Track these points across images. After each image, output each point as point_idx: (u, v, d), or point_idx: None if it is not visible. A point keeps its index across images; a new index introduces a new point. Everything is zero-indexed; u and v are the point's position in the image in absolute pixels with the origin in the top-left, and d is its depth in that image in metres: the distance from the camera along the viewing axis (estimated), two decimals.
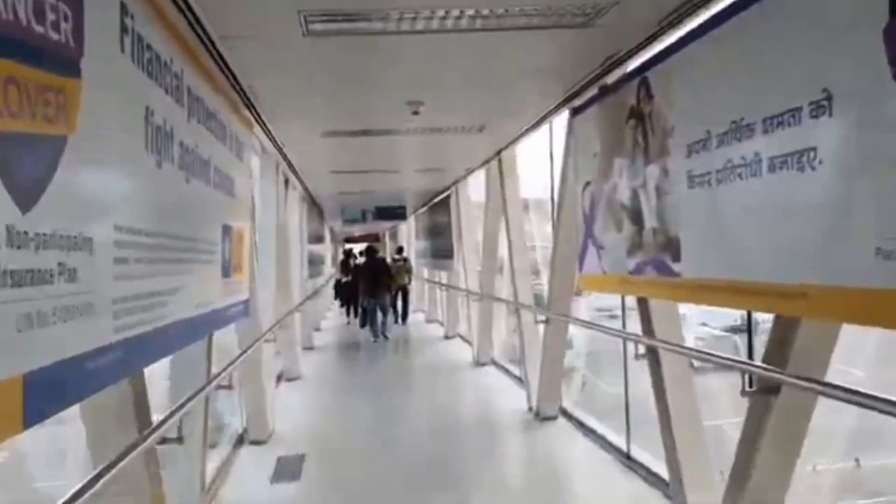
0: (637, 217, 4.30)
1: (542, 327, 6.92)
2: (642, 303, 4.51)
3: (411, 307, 17.82)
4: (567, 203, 5.93)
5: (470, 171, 10.23)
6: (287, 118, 5.76)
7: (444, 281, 14.50)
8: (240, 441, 6.55)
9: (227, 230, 4.13)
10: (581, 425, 6.67)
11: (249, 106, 4.90)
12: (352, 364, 12.20)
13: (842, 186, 2.52)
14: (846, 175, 2.50)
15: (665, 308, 4.47)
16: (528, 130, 6.75)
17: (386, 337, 13.76)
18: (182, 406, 3.05)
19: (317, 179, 10.51)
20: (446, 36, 3.61)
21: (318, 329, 15.50)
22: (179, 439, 2.91)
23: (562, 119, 6.31)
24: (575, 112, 5.36)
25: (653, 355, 4.39)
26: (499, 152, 8.04)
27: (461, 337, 13.49)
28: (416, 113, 5.13)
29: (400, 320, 16.08)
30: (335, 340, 14.99)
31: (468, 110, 5.90)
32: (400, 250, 18.76)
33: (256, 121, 5.40)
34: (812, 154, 2.65)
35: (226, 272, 4.12)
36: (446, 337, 13.91)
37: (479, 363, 10.52)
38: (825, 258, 2.62)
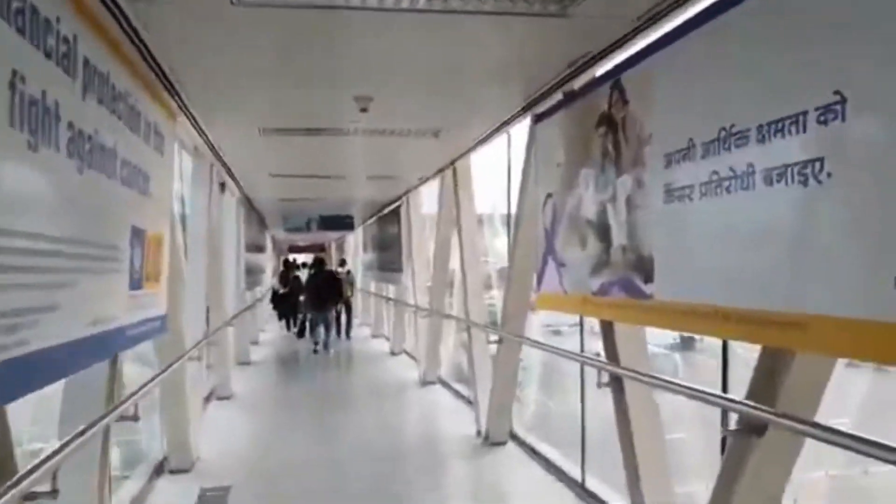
0: (604, 233, 3.92)
1: (493, 346, 6.50)
2: (606, 326, 4.13)
3: (356, 321, 17.63)
4: (526, 217, 5.54)
5: (423, 181, 9.69)
6: (218, 110, 5.18)
7: (392, 295, 13.90)
8: (158, 470, 5.87)
9: (137, 234, 3.55)
10: (533, 451, 6.26)
11: (172, 92, 4.33)
12: (290, 381, 11.50)
13: (855, 203, 2.17)
14: (860, 190, 2.15)
15: (630, 331, 4.10)
16: (486, 137, 6.34)
17: (327, 350, 13.44)
18: (61, 449, 2.46)
19: (256, 183, 9.92)
20: (401, 16, 3.15)
21: (255, 342, 14.72)
22: (53, 493, 2.31)
23: (522, 127, 5.96)
24: (538, 118, 4.98)
25: (616, 383, 4.00)
26: (454, 161, 7.62)
27: (407, 353, 12.97)
28: (364, 110, 4.64)
29: (344, 335, 15.77)
30: (274, 354, 14.28)
31: (422, 112, 5.45)
32: (343, 262, 18.59)
33: (183, 111, 4.82)
34: (818, 165, 2.30)
35: (135, 283, 3.54)
36: (392, 353, 13.37)
37: (425, 382, 10.02)
38: (830, 285, 2.27)
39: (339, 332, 15.27)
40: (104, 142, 2.89)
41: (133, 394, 3.52)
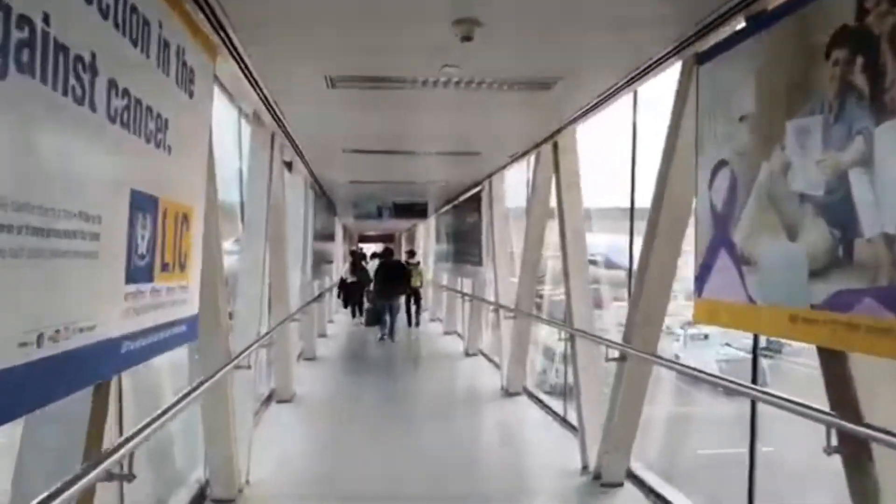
0: (842, 215, 2.53)
1: (609, 364, 5.15)
2: (830, 360, 2.74)
3: (426, 314, 17.17)
4: (668, 204, 4.17)
5: (515, 158, 8.09)
6: (276, 50, 4.00)
7: (468, 291, 12.62)
8: (198, 500, 4.84)
9: (143, 203, 2.41)
10: (655, 495, 4.92)
11: (214, 24, 3.19)
12: (358, 383, 10.29)
13: None
14: None
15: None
16: (613, 92, 4.85)
17: (392, 338, 13.34)
18: None
19: (325, 159, 8.66)
20: None
21: (323, 335, 13.83)
22: None
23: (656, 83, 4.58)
24: (704, 57, 3.58)
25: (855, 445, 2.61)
26: (559, 130, 6.19)
27: (484, 355, 11.72)
28: (467, 39, 3.34)
29: (414, 324, 15.79)
30: (341, 348, 13.45)
31: (539, 49, 4.09)
32: (412, 253, 18.05)
33: (230, 50, 3.69)
34: None
35: (139, 274, 2.41)
36: (467, 354, 12.12)
37: (509, 392, 8.71)
38: None
39: (409, 322, 15.50)
40: (68, 43, 1.73)
41: (131, 436, 2.36)
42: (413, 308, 15.76)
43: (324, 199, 12.86)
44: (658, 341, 4.61)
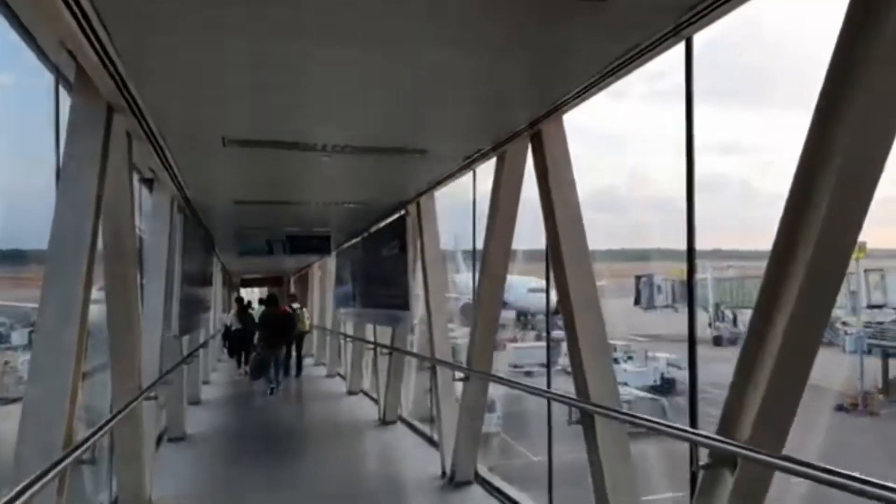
0: None
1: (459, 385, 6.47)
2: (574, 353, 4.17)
3: (309, 359, 17.16)
4: (495, 249, 5.65)
5: (462, 165, 6.32)
6: None
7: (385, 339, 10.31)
8: None
9: None
10: (498, 492, 6.21)
11: None
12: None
13: None
14: None
15: (599, 367, 4.16)
16: (470, 163, 6.47)
17: (277, 391, 12.97)
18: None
19: (200, 169, 6.49)
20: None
21: (195, 402, 11.66)
22: None
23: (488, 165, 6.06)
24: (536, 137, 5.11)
25: (588, 420, 4.03)
26: (421, 194, 7.67)
27: (365, 393, 12.71)
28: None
29: (295, 374, 15.24)
30: (224, 419, 11.20)
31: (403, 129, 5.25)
32: (293, 298, 17.87)
33: None
34: None
35: None
36: (350, 392, 13.08)
37: (385, 421, 9.84)
38: None
39: (290, 371, 14.81)
40: None
41: (91, 435, 3.34)
42: (295, 355, 15.13)
43: (199, 228, 9.89)
44: (492, 362, 5.99)
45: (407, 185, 7.44)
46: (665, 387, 31.68)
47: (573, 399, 4.13)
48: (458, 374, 6.38)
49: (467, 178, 6.75)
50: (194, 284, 9.23)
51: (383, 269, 9.37)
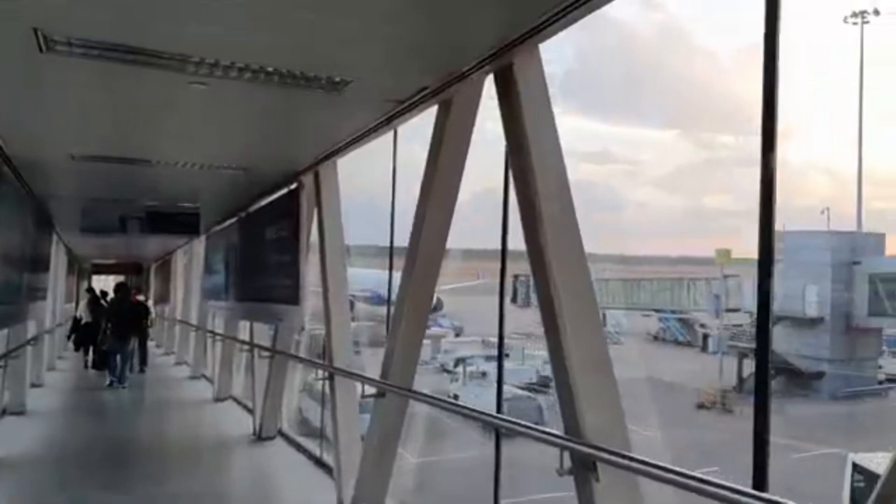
0: None
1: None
2: (562, 384, 2.98)
3: (171, 357, 16.27)
4: (426, 240, 4.32)
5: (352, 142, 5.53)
6: None
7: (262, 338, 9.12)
8: None
9: None
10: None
11: None
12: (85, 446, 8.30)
13: None
14: None
15: (600, 395, 3.02)
16: (378, 126, 4.92)
17: (123, 384, 12.31)
18: None
19: (17, 106, 4.76)
20: None
21: (20, 412, 9.55)
22: None
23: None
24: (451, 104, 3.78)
25: (584, 468, 2.85)
26: (320, 161, 6.09)
27: (236, 400, 10.99)
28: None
29: (138, 367, 14.21)
30: (51, 433, 9.04)
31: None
32: (139, 290, 16.82)
33: None
34: None
35: None
36: (217, 399, 11.24)
37: (262, 437, 8.24)
38: None
39: (135, 367, 13.90)
40: None
41: None
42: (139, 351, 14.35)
43: (25, 197, 7.75)
44: (414, 376, 4.68)
45: (305, 145, 5.84)
46: (540, 384, 32.07)
47: (559, 437, 2.90)
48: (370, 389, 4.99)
49: (374, 147, 5.39)
50: (15, 268, 7.34)
51: (267, 255, 7.75)
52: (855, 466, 16.43)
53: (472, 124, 4.00)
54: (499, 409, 3.57)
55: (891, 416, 27.20)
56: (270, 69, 3.57)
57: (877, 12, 33.49)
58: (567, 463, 2.78)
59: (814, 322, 30.39)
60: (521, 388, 29.65)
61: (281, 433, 8.33)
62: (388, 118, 4.44)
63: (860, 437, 22.43)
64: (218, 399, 11.12)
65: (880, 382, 30.95)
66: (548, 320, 3.03)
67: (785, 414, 25.80)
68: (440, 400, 4.54)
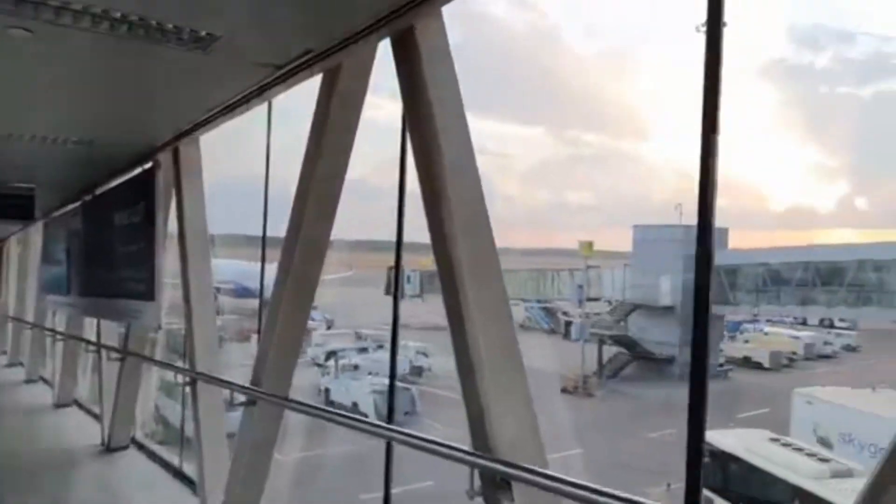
0: None
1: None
2: (470, 397, 2.63)
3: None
4: (308, 226, 3.80)
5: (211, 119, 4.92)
6: None
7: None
8: None
9: None
10: None
11: None
12: None
13: None
14: None
15: (511, 400, 2.69)
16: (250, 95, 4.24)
17: None
18: None
19: None
20: None
21: None
22: None
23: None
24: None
25: (495, 487, 2.51)
26: (181, 136, 5.29)
27: (80, 405, 9.75)
28: None
29: None
30: None
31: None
32: None
33: None
34: None
35: None
36: (57, 405, 9.94)
37: (111, 448, 7.28)
38: None
39: None
40: None
41: None
42: None
43: None
44: (290, 383, 4.17)
45: (162, 116, 5.03)
46: (413, 375, 32.00)
47: (467, 453, 2.54)
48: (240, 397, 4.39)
49: (245, 123, 4.75)
50: None
51: (117, 244, 6.79)
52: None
53: (363, 96, 3.54)
54: (390, 418, 3.15)
55: (730, 396, 29.76)
56: (117, 15, 2.85)
57: (724, 24, 36.35)
58: (478, 482, 2.43)
59: (666, 310, 32.61)
60: (397, 380, 29.45)
61: (134, 441, 7.43)
62: (262, 87, 3.82)
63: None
64: (59, 405, 9.82)
65: (721, 365, 33.87)
66: (454, 317, 2.66)
67: (642, 397, 27.52)
68: (325, 411, 4.02)
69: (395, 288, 4.37)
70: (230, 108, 4.38)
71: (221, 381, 4.86)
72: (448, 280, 2.68)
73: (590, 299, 34.94)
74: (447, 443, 2.52)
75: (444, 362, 33.90)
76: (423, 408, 26.22)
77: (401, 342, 34.68)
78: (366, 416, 26.72)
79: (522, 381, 2.55)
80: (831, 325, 39.97)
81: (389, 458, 3.20)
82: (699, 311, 1.97)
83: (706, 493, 17.78)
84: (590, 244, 36.19)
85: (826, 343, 37.70)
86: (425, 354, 33.58)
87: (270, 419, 4.24)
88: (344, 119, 3.57)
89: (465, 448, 2.49)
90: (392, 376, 4.27)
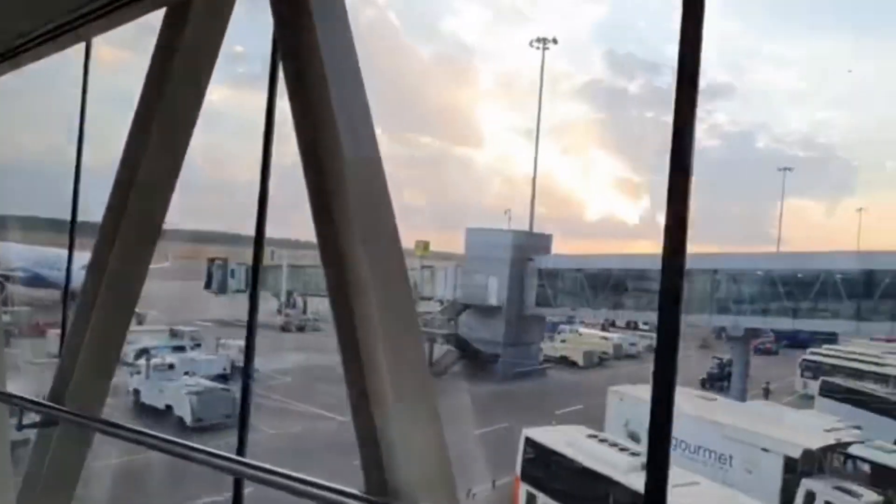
0: None
1: None
2: None
3: None
4: (136, 201, 3.00)
5: None
6: None
7: None
8: None
9: None
10: None
11: None
12: None
13: None
14: None
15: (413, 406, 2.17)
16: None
17: None
18: None
19: None
20: None
21: None
22: None
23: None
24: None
25: None
26: None
27: None
28: None
29: None
30: None
31: None
32: None
33: None
34: None
35: None
36: None
37: None
38: None
39: None
40: None
41: None
42: None
43: None
44: (105, 398, 3.30)
45: None
46: (235, 375, 29.90)
47: (358, 498, 1.97)
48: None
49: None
50: None
51: None
52: (527, 440, 18.36)
53: (219, 42, 2.82)
54: (241, 448, 2.45)
55: (549, 393, 31.40)
56: None
57: (555, 41, 38.53)
58: None
59: (493, 311, 33.76)
60: (214, 380, 27.24)
61: None
62: (75, 20, 2.93)
63: (523, 412, 25.43)
64: None
65: (541, 363, 35.72)
66: (343, 321, 2.08)
67: (470, 394, 28.08)
68: (154, 437, 3.14)
69: (253, 285, 3.54)
70: (26, 47, 3.36)
71: (6, 395, 3.78)
72: (340, 292, 2.08)
73: (423, 298, 35.17)
74: (329, 485, 1.95)
75: (273, 363, 32.08)
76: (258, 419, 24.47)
77: (223, 340, 32.43)
78: (181, 419, 24.39)
79: (432, 404, 2.04)
80: (636, 327, 43.90)
81: (239, 498, 2.51)
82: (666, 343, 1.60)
83: (528, 488, 18.39)
84: (426, 244, 36.49)
85: (631, 344, 41.25)
86: None
87: (75, 445, 3.34)
88: (191, 71, 2.83)
89: (355, 491, 1.94)
90: (246, 380, 3.52)
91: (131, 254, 3.13)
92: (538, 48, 38.44)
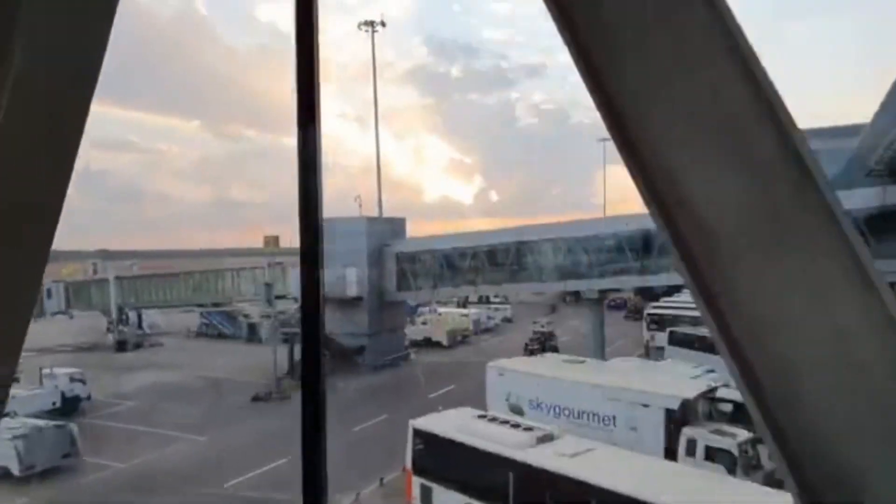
0: None
1: None
2: None
3: None
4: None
5: None
6: None
7: None
8: None
9: None
10: None
11: None
12: None
13: None
14: None
15: None
16: None
17: None
18: None
19: None
20: None
21: None
22: None
23: None
24: None
25: None
26: None
27: None
28: None
29: None
30: None
31: None
32: None
33: None
34: None
35: None
36: None
37: None
38: None
39: None
40: None
41: None
42: None
43: None
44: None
45: None
46: (68, 408, 26.33)
47: None
48: None
49: None
50: None
51: None
52: (415, 431, 17.53)
53: None
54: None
55: (416, 378, 31.00)
56: None
57: (383, 24, 37.74)
58: None
59: (354, 301, 32.61)
60: (42, 418, 23.55)
61: None
62: None
63: (398, 401, 24.82)
64: None
65: (406, 347, 35.25)
66: None
67: (340, 390, 26.94)
68: None
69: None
70: None
71: None
72: None
73: (278, 297, 33.14)
74: None
75: (111, 388, 28.59)
76: (86, 446, 21.49)
77: (47, 370, 28.28)
78: (7, 470, 20.63)
79: None
80: (488, 301, 44.92)
81: None
82: None
83: (422, 481, 17.60)
84: (275, 239, 34.33)
85: (489, 318, 42.19)
86: (83, 381, 27.92)
87: None
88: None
89: None
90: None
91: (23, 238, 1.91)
92: (367, 31, 37.42)
